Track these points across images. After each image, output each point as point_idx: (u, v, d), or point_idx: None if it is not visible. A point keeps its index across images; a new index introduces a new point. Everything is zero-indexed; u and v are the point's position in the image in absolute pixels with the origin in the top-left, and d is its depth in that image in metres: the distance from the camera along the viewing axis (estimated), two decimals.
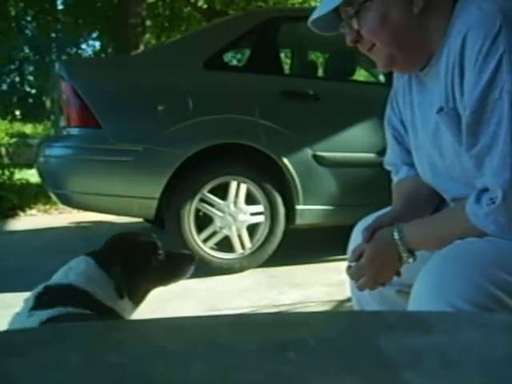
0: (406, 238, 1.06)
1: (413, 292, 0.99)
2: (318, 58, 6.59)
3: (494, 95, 0.91)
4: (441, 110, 1.02)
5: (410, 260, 1.07)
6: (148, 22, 10.41)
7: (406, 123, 1.20)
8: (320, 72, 4.41)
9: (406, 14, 1.01)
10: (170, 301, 2.61)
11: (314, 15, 1.07)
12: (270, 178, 3.14)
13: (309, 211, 3.16)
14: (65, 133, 3.10)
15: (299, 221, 3.17)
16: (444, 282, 0.93)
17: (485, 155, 0.93)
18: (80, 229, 4.80)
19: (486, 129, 0.92)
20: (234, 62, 12.14)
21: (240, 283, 2.95)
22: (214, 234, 3.11)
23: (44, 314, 1.10)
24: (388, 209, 1.22)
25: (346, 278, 1.25)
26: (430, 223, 1.06)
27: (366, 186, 3.15)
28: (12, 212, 5.54)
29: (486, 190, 0.94)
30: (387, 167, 1.30)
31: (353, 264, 1.14)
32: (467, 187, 1.01)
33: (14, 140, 9.88)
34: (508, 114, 0.89)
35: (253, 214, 3.14)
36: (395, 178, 1.26)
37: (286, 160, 3.07)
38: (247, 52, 4.04)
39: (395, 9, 1.01)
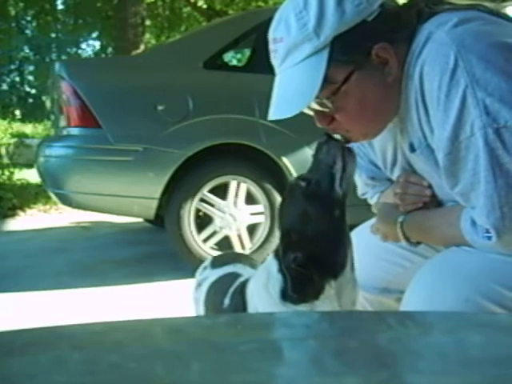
0: (406, 226, 1.07)
1: (403, 303, 0.99)
2: None
3: (466, 132, 0.86)
4: (412, 148, 1.00)
5: (406, 244, 1.09)
6: (148, 22, 10.41)
7: (376, 162, 1.19)
8: None
9: (381, 88, 0.95)
10: (170, 300, 2.61)
11: (285, 112, 0.94)
12: (270, 178, 3.14)
13: None
14: (65, 133, 3.10)
15: None
16: (433, 294, 0.93)
17: (469, 192, 0.90)
18: (80, 229, 4.80)
19: (463, 167, 0.88)
20: (234, 62, 12.13)
21: None
22: (213, 233, 3.11)
23: None
24: None
25: None
26: (430, 220, 1.06)
27: None
28: (12, 212, 5.54)
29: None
30: (363, 197, 1.29)
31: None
32: (451, 203, 1.02)
33: (14, 140, 9.87)
34: (484, 151, 0.85)
35: (253, 214, 3.14)
36: (375, 196, 1.24)
37: (286, 160, 3.07)
38: (247, 52, 4.04)
39: (371, 86, 0.95)
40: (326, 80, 0.90)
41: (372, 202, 1.25)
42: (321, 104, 0.96)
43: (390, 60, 0.93)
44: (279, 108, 0.96)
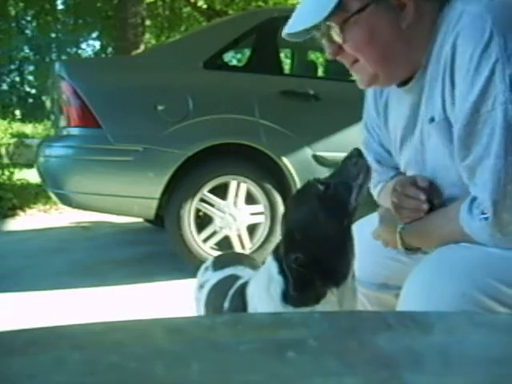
0: (405, 234, 1.08)
1: (400, 299, 0.99)
2: (317, 57, 6.58)
3: (487, 106, 0.87)
4: (432, 120, 1.00)
5: (404, 251, 1.10)
6: (148, 22, 10.41)
7: (388, 145, 1.20)
8: (320, 72, 4.40)
9: (393, 30, 0.97)
10: (170, 300, 2.61)
11: (294, 28, 1.00)
12: (270, 178, 3.14)
13: None
14: (65, 133, 3.10)
15: None
16: (430, 289, 0.93)
17: (477, 166, 0.90)
18: (80, 229, 4.80)
19: (478, 140, 0.89)
20: (234, 62, 12.13)
21: None
22: (213, 233, 3.11)
23: None
24: None
25: None
26: (427, 224, 1.06)
27: None
28: (12, 212, 5.54)
29: (476, 198, 0.93)
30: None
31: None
32: (453, 188, 1.01)
33: (14, 140, 9.88)
34: (501, 126, 0.86)
35: (253, 214, 3.14)
36: (378, 187, 1.25)
37: (286, 160, 3.07)
38: (247, 52, 4.04)
39: (383, 24, 0.97)
40: (340, 6, 0.93)
41: (375, 192, 1.26)
42: (332, 31, 0.98)
43: (407, 5, 0.95)
44: (289, 26, 1.01)
